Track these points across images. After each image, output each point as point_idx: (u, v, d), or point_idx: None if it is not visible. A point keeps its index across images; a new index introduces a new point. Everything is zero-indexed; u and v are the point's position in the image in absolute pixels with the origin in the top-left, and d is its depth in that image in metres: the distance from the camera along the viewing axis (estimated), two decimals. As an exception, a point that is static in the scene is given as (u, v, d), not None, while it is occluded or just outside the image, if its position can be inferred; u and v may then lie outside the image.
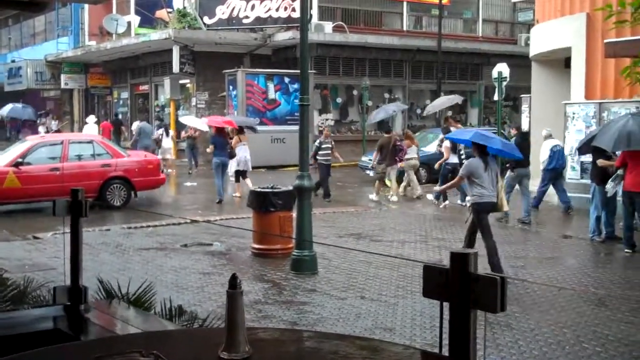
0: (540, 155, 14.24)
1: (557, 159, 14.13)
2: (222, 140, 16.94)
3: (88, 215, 3.67)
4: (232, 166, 17.33)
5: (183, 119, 23.51)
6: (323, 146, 17.32)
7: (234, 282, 1.85)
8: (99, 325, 3.35)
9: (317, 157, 17.02)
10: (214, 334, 2.10)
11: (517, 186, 13.94)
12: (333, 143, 17.85)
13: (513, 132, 15.45)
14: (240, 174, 17.35)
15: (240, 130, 17.65)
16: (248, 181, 16.92)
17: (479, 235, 9.34)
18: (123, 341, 2.40)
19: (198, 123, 21.86)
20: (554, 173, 14.27)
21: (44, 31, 38.27)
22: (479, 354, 2.12)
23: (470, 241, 9.42)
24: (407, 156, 17.26)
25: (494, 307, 1.96)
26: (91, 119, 28.44)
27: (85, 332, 3.27)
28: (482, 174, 9.22)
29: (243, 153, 17.12)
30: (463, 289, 2.01)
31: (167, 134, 23.65)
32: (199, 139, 23.16)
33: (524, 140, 14.33)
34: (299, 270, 9.58)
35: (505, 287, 1.97)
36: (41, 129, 29.45)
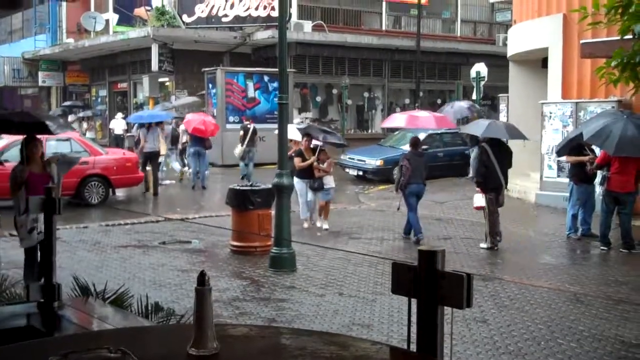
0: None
1: None
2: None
3: (62, 213, 3.66)
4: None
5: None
6: None
7: (202, 279, 1.87)
8: (73, 323, 3.35)
9: None
10: (185, 330, 2.11)
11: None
12: None
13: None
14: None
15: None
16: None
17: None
18: (92, 337, 2.40)
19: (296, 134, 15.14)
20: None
21: (21, 29, 37.87)
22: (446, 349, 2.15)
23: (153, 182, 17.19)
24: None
25: (460, 303, 2.00)
26: (119, 115, 28.85)
27: (59, 329, 3.26)
28: (146, 135, 17.43)
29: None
30: (430, 285, 2.04)
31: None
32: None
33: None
34: (278, 268, 9.61)
35: (472, 284, 2.00)
36: (76, 125, 28.41)
